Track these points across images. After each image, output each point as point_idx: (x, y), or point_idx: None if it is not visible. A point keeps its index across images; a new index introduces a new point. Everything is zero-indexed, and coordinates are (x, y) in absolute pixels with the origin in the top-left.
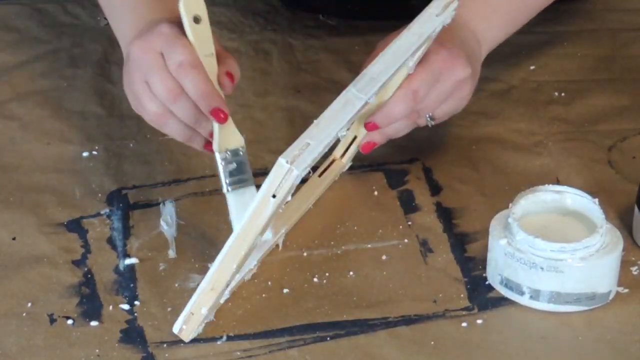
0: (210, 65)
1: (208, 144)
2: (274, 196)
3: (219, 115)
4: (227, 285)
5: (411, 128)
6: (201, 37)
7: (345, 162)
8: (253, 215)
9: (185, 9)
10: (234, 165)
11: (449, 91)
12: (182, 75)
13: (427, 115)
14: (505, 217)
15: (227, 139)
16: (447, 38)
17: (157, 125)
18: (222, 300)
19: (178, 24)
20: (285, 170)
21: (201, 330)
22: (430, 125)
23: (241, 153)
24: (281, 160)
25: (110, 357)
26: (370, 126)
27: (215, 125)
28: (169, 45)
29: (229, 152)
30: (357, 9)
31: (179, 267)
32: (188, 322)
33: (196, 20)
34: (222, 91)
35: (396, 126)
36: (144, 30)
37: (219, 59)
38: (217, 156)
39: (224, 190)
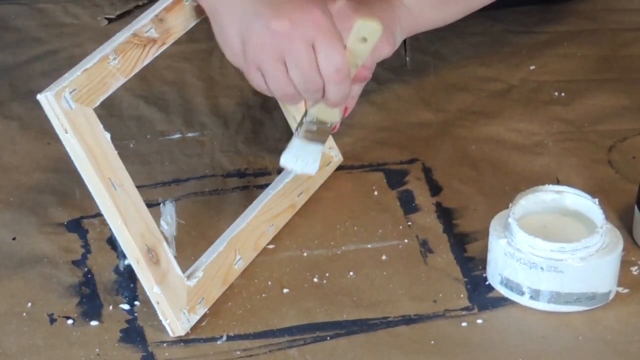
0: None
1: None
2: (66, 132)
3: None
4: (146, 251)
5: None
6: (357, 53)
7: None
8: (80, 165)
9: (358, 30)
10: (314, 128)
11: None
12: (335, 81)
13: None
14: (505, 217)
15: (326, 112)
16: None
17: (282, 101)
18: (191, 283)
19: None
20: (45, 100)
21: (195, 320)
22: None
23: (328, 126)
24: (39, 96)
25: (110, 357)
26: None
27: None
28: (326, 43)
29: (317, 119)
30: None
31: (179, 266)
32: (164, 313)
33: (364, 40)
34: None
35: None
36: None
37: None
38: (308, 110)
39: (295, 133)
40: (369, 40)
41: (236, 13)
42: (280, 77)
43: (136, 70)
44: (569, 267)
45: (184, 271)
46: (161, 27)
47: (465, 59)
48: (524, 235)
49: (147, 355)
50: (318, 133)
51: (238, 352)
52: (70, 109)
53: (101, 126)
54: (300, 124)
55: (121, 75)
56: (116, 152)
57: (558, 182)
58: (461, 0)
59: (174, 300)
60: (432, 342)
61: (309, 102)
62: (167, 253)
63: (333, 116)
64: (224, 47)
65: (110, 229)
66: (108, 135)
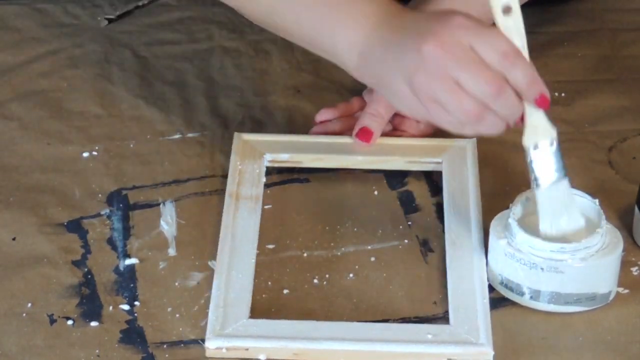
0: None
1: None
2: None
3: (546, 102)
4: None
5: None
6: (512, 29)
7: None
8: None
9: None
10: (544, 159)
11: None
12: (509, 65)
13: None
14: (505, 218)
15: (538, 130)
16: None
17: (472, 124)
18: None
19: (466, 14)
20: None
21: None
22: None
23: (553, 145)
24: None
25: (110, 358)
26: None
27: (526, 117)
28: (481, 36)
29: (538, 145)
30: None
31: (179, 266)
32: (232, 350)
33: (506, 10)
34: None
35: None
36: (420, 25)
37: None
38: (528, 150)
39: (533, 186)
40: (512, 7)
41: (392, 67)
42: (456, 96)
43: None
44: (569, 268)
45: (184, 273)
46: None
47: None
48: (524, 236)
49: (147, 356)
50: (550, 164)
51: None
52: None
53: None
54: (529, 171)
55: None
56: None
57: None
58: None
59: None
60: None
61: (499, 113)
62: None
63: (549, 129)
64: (401, 105)
65: (110, 229)
66: None
